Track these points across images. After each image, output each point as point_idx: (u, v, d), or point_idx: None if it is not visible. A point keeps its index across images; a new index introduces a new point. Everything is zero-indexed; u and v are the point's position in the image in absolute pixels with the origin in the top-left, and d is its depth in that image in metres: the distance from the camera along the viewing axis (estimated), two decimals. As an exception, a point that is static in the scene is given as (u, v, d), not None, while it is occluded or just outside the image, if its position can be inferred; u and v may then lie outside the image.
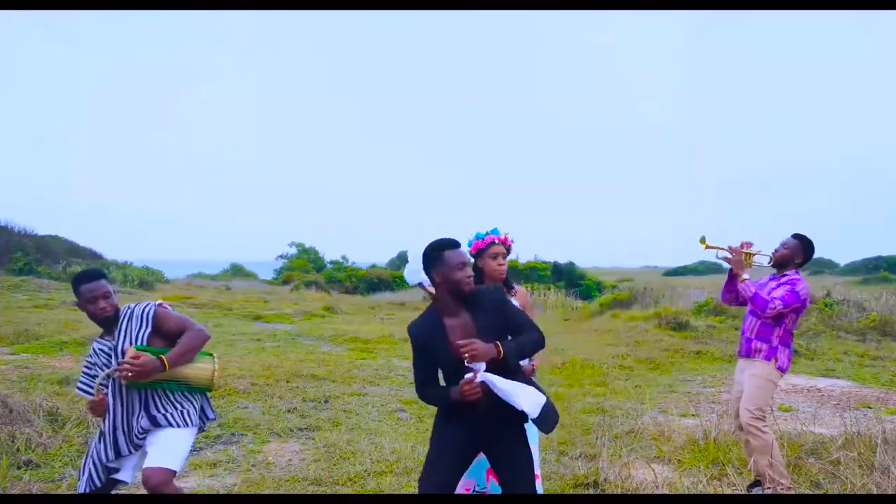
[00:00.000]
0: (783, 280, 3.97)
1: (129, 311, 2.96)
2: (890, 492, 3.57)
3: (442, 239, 2.69)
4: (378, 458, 4.60)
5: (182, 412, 2.94)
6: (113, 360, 2.89)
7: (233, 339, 10.77)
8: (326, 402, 6.50)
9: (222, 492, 4.01)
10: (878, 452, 4.02)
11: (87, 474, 2.93)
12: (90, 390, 2.97)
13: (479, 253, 3.37)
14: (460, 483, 3.17)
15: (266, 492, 4.01)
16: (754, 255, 4.06)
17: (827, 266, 52.20)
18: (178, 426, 2.90)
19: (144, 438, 2.89)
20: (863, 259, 48.95)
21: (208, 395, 3.12)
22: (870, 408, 6.66)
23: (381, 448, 4.85)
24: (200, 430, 3.09)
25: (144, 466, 2.83)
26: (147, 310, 2.95)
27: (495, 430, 2.69)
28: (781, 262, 4.02)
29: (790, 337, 3.99)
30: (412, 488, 4.08)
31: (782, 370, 3.96)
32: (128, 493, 3.96)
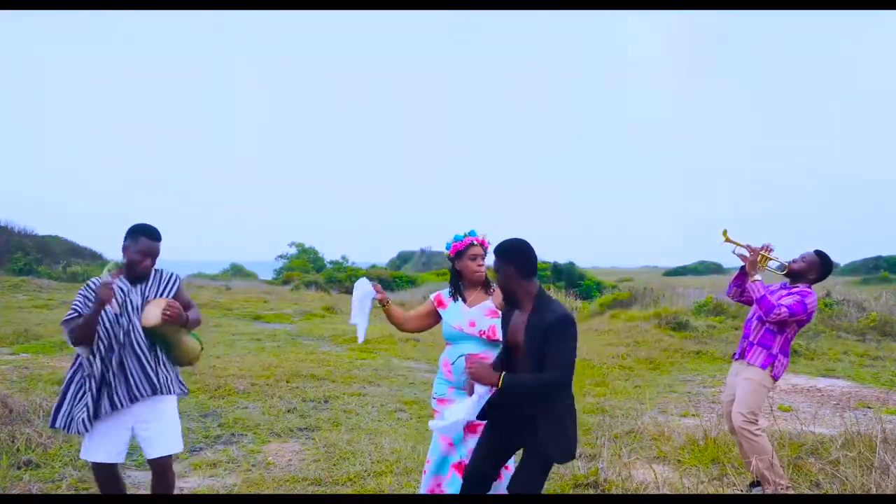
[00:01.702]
0: (794, 290, 3.98)
1: (158, 272, 3.20)
2: (890, 491, 3.57)
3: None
4: (378, 458, 4.60)
5: (168, 377, 3.13)
6: (132, 296, 3.07)
7: (233, 339, 10.77)
8: (326, 402, 6.50)
9: (222, 492, 4.01)
10: (877, 452, 4.02)
11: (80, 416, 3.02)
12: (82, 310, 3.04)
13: (458, 255, 3.37)
14: (433, 480, 3.30)
15: (266, 492, 4.01)
16: (770, 259, 4.06)
17: (827, 266, 52.04)
18: (168, 392, 3.11)
19: (137, 400, 3.02)
20: (863, 259, 48.89)
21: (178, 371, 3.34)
22: (870, 408, 6.66)
23: (381, 448, 4.85)
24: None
25: (153, 455, 3.03)
26: (174, 277, 3.24)
27: (527, 430, 2.81)
28: (795, 274, 4.03)
29: (789, 346, 4.01)
30: (412, 488, 4.08)
31: (776, 378, 3.99)
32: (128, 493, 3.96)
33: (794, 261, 4.06)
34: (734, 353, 4.22)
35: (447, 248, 3.40)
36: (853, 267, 47.43)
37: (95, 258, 27.61)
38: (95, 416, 2.99)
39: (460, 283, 3.42)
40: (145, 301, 3.08)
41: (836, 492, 3.81)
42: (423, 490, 3.34)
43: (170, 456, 3.09)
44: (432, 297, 3.48)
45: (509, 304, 2.89)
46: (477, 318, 3.32)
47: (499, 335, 3.31)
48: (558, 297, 21.41)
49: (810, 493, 3.96)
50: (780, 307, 3.84)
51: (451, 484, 3.26)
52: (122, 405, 3.00)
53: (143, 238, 3.07)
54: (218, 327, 12.36)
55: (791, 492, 3.83)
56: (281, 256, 42.56)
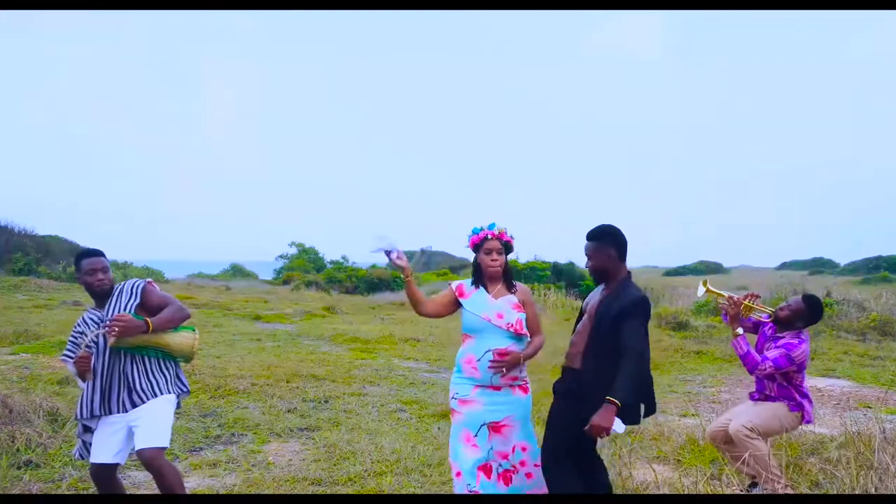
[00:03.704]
0: (781, 342, 3.90)
1: (120, 287, 3.26)
2: (889, 492, 3.57)
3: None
4: (378, 458, 4.60)
5: (158, 382, 3.23)
6: (105, 318, 3.15)
7: (233, 339, 10.76)
8: (326, 402, 6.50)
9: (222, 492, 4.01)
10: (877, 452, 4.02)
11: (79, 442, 3.29)
12: (74, 357, 3.20)
13: (475, 248, 3.35)
14: (467, 485, 3.20)
15: (266, 492, 4.01)
16: (755, 308, 4.00)
17: (827, 266, 52.18)
18: (157, 395, 3.20)
19: (126, 411, 3.16)
20: (863, 259, 48.88)
21: (181, 365, 3.40)
22: (870, 408, 6.66)
23: (381, 448, 4.85)
24: (178, 399, 3.35)
25: (137, 448, 3.11)
26: (137, 284, 3.26)
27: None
28: (783, 322, 3.96)
29: (805, 388, 3.96)
30: (412, 488, 4.09)
31: (809, 422, 3.98)
32: (128, 493, 3.97)
33: (780, 308, 3.98)
34: (751, 394, 4.13)
35: (467, 240, 3.39)
36: (853, 267, 47.41)
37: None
38: (90, 414, 3.15)
39: (482, 276, 3.36)
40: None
41: (835, 492, 3.80)
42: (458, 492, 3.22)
43: (156, 450, 3.08)
44: (453, 285, 3.39)
45: (599, 282, 3.18)
46: (505, 311, 3.27)
47: (525, 329, 3.32)
48: (558, 297, 21.40)
49: (810, 493, 3.95)
50: (766, 362, 3.78)
51: (482, 487, 3.18)
52: (103, 413, 3.15)
53: (84, 260, 3.21)
54: (218, 327, 12.35)
55: (790, 491, 3.82)
56: (281, 256, 42.56)
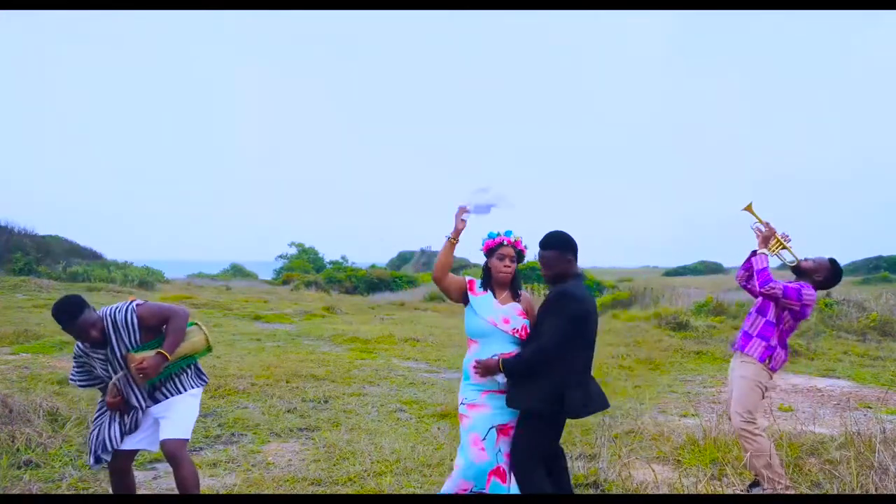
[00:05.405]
0: (797, 281, 3.99)
1: (111, 320, 3.13)
2: (890, 491, 3.57)
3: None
4: (378, 458, 4.60)
5: (181, 380, 3.32)
6: (110, 366, 3.18)
7: (233, 339, 10.76)
8: (326, 402, 6.50)
9: (222, 492, 4.01)
10: (877, 452, 4.02)
11: (94, 450, 3.23)
12: (85, 384, 3.32)
13: (489, 252, 3.37)
14: (459, 484, 3.20)
15: (266, 492, 4.01)
16: (785, 248, 4.06)
17: (827, 266, 52.02)
18: (181, 391, 3.30)
19: (150, 406, 3.24)
20: (863, 259, 48.84)
21: (198, 360, 3.44)
22: (869, 408, 6.66)
23: (381, 448, 4.85)
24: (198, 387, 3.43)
25: (161, 439, 3.20)
26: (129, 318, 3.14)
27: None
28: (802, 271, 4.03)
29: (787, 339, 4.01)
30: (412, 488, 4.09)
31: (774, 370, 3.99)
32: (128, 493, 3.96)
33: (806, 259, 4.06)
34: (732, 344, 4.21)
35: (482, 244, 3.41)
36: (853, 267, 47.39)
37: (95, 258, 27.61)
38: (113, 447, 3.23)
39: (491, 280, 3.39)
40: (124, 356, 3.15)
41: (835, 492, 3.81)
42: (445, 491, 3.25)
43: (179, 441, 3.19)
44: (466, 278, 3.43)
45: (554, 285, 3.26)
46: (511, 316, 3.29)
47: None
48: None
49: (810, 493, 3.95)
50: (777, 283, 3.85)
51: (493, 490, 3.19)
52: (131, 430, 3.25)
53: (66, 328, 3.06)
54: (218, 327, 12.35)
55: (791, 492, 3.82)
56: (281, 256, 42.63)
